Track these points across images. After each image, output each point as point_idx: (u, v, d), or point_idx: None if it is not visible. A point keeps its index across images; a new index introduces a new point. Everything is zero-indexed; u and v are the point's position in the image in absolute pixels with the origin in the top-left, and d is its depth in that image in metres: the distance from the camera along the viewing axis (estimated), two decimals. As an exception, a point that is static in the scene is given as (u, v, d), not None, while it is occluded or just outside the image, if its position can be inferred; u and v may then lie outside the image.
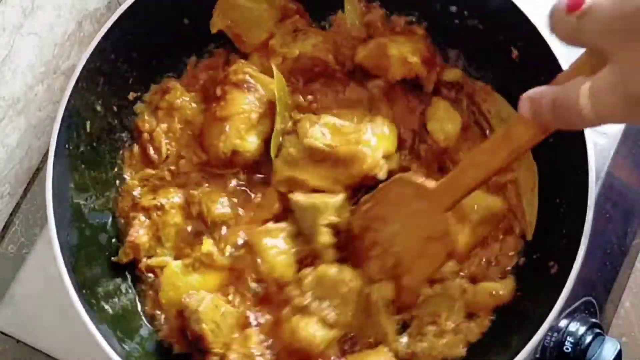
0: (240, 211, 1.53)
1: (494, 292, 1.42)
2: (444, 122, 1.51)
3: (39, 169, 1.78)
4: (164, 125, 1.58)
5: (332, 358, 1.39)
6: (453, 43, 1.57)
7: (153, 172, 1.57)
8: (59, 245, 1.34)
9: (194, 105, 1.59)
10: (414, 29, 1.58)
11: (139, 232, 1.48)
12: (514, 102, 1.48)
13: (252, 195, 1.54)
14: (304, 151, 1.46)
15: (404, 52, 1.52)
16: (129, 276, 1.51)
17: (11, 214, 1.75)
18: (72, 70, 1.43)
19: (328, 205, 1.44)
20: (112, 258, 1.49)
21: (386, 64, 1.53)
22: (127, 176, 1.58)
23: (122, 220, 1.53)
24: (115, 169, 1.57)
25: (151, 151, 1.57)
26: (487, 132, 1.53)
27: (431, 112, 1.53)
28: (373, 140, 1.46)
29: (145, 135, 1.58)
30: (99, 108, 1.52)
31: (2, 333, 1.61)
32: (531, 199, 1.46)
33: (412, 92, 1.57)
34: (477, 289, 1.42)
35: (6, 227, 1.75)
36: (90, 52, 1.44)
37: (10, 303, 1.62)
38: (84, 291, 1.37)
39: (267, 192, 1.52)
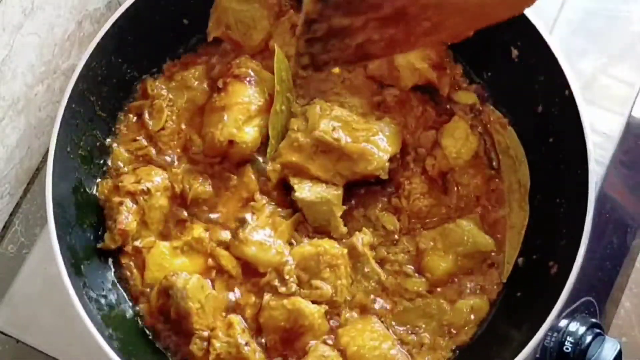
0: (219, 191, 1.55)
1: (473, 307, 1.44)
2: (460, 142, 1.51)
3: (39, 169, 1.78)
4: (170, 95, 1.59)
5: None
6: (453, 45, 1.57)
7: (144, 143, 1.57)
8: (59, 245, 1.34)
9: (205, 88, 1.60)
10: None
11: (129, 219, 1.47)
12: (515, 101, 1.50)
13: (231, 176, 1.54)
14: (312, 140, 1.48)
15: (412, 60, 1.54)
16: (111, 260, 1.52)
17: (11, 214, 1.75)
18: (72, 70, 1.43)
19: (338, 198, 1.48)
20: (98, 245, 1.49)
21: (396, 74, 1.55)
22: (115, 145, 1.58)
23: (106, 205, 1.52)
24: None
25: (146, 116, 1.57)
26: (494, 163, 1.54)
27: (450, 128, 1.53)
28: (382, 143, 1.48)
29: (147, 103, 1.58)
30: (97, 109, 1.52)
31: (2, 333, 1.61)
32: (515, 241, 1.47)
33: (430, 102, 1.58)
34: (455, 307, 1.45)
35: (6, 227, 1.74)
36: (90, 52, 1.44)
37: (10, 303, 1.61)
38: (84, 291, 1.37)
39: (243, 172, 1.53)
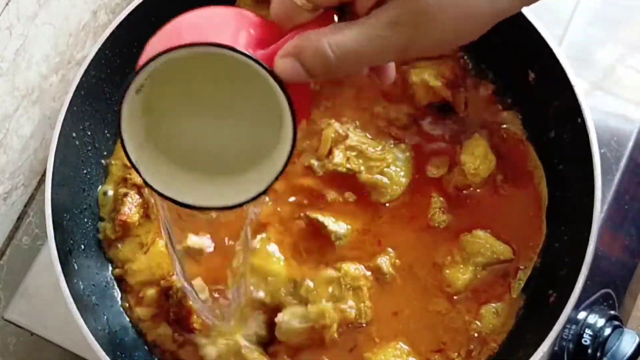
0: None
1: (498, 310, 1.42)
2: (479, 159, 1.48)
3: (54, 160, 1.78)
4: None
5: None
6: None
7: None
8: (53, 230, 1.35)
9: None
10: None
11: (131, 211, 1.47)
12: (527, 124, 1.49)
13: None
14: (324, 167, 1.49)
15: (426, 78, 1.52)
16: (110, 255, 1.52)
17: (25, 205, 1.75)
18: (87, 60, 1.43)
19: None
20: (99, 235, 1.50)
21: (410, 92, 1.53)
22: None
23: (112, 196, 1.52)
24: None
25: None
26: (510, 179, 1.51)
27: (470, 146, 1.50)
28: (395, 175, 1.48)
29: None
30: (109, 98, 1.52)
31: (16, 325, 1.60)
32: (530, 258, 1.44)
33: (445, 118, 1.55)
34: (481, 314, 1.42)
35: (20, 218, 1.74)
36: (103, 40, 1.44)
37: (25, 295, 1.61)
38: (75, 280, 1.38)
39: None
